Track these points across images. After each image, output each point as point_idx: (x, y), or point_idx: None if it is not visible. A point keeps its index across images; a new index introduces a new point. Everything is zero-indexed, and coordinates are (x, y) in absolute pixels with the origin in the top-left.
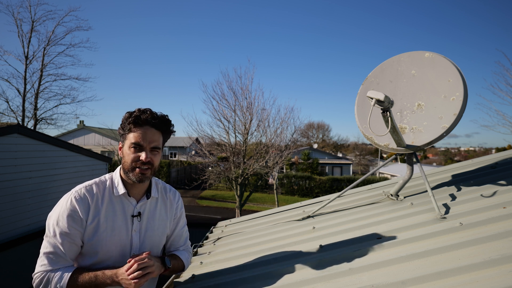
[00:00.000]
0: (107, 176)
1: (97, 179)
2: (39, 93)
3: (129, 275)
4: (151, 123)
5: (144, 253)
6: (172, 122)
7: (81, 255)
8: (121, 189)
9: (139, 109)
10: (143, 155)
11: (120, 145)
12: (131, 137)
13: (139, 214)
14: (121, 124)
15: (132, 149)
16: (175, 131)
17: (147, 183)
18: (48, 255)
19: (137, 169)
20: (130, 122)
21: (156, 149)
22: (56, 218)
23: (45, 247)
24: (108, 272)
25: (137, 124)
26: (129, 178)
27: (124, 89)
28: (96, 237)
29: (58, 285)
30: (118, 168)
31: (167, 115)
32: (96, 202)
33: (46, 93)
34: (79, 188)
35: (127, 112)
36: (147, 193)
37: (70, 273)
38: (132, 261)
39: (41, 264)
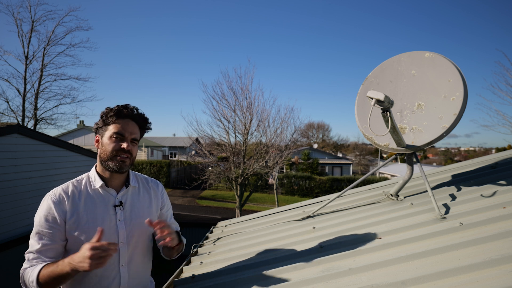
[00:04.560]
0: (83, 175)
1: (73, 179)
2: (39, 93)
3: (91, 254)
4: (132, 117)
5: (161, 221)
6: (149, 120)
7: (68, 251)
8: (98, 182)
9: (119, 105)
10: (124, 144)
11: (97, 138)
12: (113, 128)
13: (121, 203)
14: (101, 118)
15: (114, 138)
16: (151, 128)
17: (125, 174)
18: (28, 254)
19: (118, 157)
20: (112, 115)
21: (135, 140)
22: (36, 219)
23: (29, 247)
24: (66, 259)
25: (119, 117)
26: (108, 167)
27: (124, 89)
28: (78, 230)
29: (30, 279)
30: (93, 166)
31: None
32: (73, 198)
33: (46, 93)
34: (56, 189)
35: (107, 107)
36: (126, 183)
37: (41, 267)
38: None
39: (24, 262)
